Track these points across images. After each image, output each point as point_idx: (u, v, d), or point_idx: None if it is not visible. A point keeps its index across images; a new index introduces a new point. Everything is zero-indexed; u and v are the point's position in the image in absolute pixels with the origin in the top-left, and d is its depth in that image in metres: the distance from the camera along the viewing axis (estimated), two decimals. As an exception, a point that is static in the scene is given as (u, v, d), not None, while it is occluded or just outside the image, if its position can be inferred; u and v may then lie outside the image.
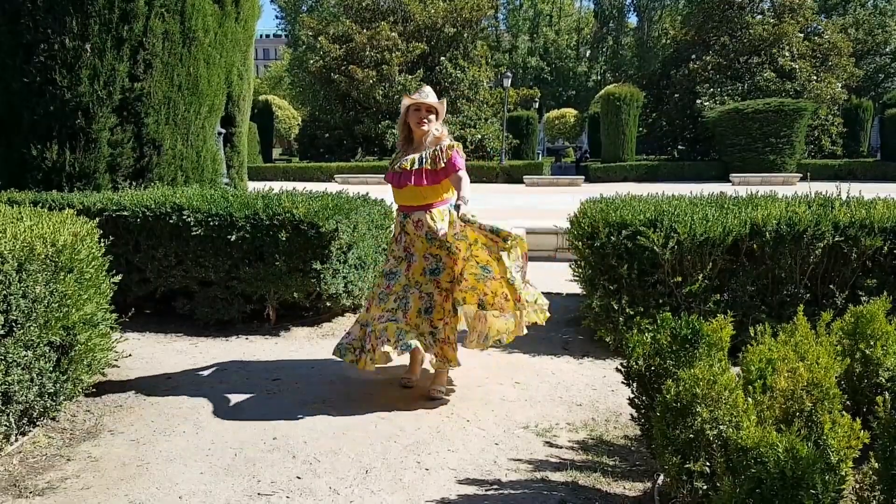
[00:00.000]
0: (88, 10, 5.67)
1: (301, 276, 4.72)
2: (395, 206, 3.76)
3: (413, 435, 3.17)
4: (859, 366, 2.38)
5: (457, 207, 3.40)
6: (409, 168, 3.50)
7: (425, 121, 3.51)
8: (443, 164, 3.48)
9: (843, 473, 1.72)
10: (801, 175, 23.15)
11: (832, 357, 2.09)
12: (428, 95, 3.55)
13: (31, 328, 2.88)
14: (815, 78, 28.69)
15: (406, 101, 3.57)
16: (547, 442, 3.11)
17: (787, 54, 29.03)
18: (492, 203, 15.48)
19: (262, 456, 2.95)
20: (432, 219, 3.54)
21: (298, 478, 2.76)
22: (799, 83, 28.46)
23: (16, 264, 2.77)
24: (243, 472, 2.80)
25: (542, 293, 3.65)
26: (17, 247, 2.80)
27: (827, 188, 4.97)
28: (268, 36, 75.34)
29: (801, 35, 29.62)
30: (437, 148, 3.51)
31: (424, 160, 3.49)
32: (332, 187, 6.16)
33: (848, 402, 2.27)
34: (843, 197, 4.57)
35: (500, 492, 2.63)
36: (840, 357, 2.20)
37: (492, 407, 3.53)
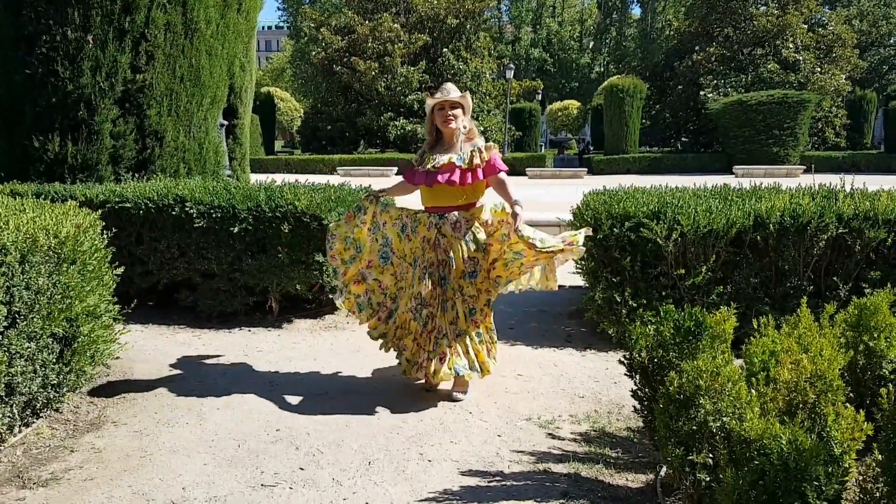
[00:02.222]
0: (90, 1, 5.65)
1: (303, 268, 4.72)
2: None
3: (416, 427, 3.17)
4: (863, 358, 2.38)
5: (514, 216, 3.38)
6: (445, 166, 3.40)
7: (451, 118, 3.46)
8: (479, 163, 3.43)
9: (846, 465, 1.72)
10: (804, 167, 23.10)
11: (835, 349, 2.09)
12: (450, 92, 3.48)
13: (35, 320, 2.88)
14: (818, 69, 28.57)
15: (430, 102, 3.52)
16: (549, 434, 3.11)
17: (790, 46, 28.90)
18: (496, 196, 15.39)
19: (265, 447, 2.96)
20: (473, 217, 3.52)
21: (301, 469, 2.77)
22: (803, 75, 28.35)
23: (19, 256, 2.77)
24: (246, 464, 2.81)
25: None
26: (20, 238, 2.80)
27: (831, 180, 4.95)
28: (270, 27, 75.20)
29: (805, 26, 29.49)
30: (475, 148, 3.47)
31: (463, 159, 3.43)
32: (334, 180, 6.15)
33: (851, 394, 2.27)
34: (847, 189, 4.55)
35: (503, 483, 2.63)
36: (843, 349, 2.19)
37: (494, 399, 3.54)
